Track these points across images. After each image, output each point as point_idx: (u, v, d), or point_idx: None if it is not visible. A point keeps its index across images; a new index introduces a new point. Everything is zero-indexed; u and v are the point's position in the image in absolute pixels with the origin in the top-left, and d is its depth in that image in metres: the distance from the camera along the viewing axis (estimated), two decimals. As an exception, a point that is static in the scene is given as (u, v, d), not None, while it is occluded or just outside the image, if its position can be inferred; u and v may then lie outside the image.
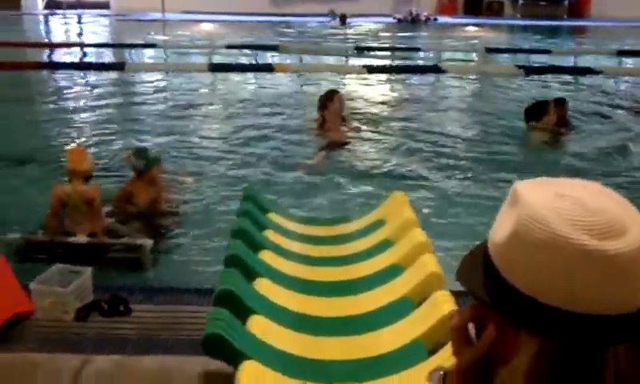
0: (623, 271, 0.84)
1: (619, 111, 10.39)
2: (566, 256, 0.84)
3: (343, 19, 23.00)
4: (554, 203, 0.87)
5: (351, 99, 10.40)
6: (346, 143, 7.95)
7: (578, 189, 0.90)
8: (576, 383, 0.86)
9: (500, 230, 0.91)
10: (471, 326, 0.98)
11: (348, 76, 12.68)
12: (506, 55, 15.59)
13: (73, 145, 6.44)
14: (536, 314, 0.86)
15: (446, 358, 2.85)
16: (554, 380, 0.86)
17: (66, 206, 4.91)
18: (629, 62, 15.07)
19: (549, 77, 12.61)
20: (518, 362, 0.88)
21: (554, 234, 0.85)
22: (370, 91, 11.52)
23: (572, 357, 0.85)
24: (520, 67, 12.78)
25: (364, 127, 8.72)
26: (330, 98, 8.23)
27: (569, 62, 14.72)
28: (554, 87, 11.67)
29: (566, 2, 25.45)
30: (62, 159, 6.76)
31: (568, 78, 12.59)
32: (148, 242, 4.86)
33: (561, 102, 8.81)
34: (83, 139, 8.19)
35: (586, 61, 14.31)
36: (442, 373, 1.02)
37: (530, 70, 12.77)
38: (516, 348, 0.89)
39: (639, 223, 0.87)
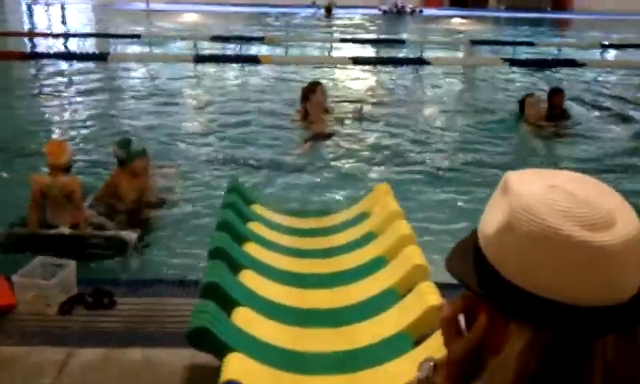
0: (613, 262, 0.85)
1: (609, 102, 10.44)
2: (556, 247, 0.85)
3: (328, 11, 22.88)
4: (545, 194, 0.88)
5: (336, 90, 10.40)
6: (331, 134, 7.94)
7: (568, 180, 0.91)
8: (565, 373, 0.86)
9: (491, 220, 0.92)
10: (461, 317, 0.98)
11: (333, 67, 12.67)
12: (491, 47, 15.63)
13: (53, 137, 6.40)
14: (526, 305, 0.87)
15: (430, 348, 2.87)
16: (543, 370, 0.87)
17: (46, 198, 4.88)
18: (612, 55, 15.18)
19: (546, 69, 12.66)
20: (509, 352, 0.89)
21: (545, 225, 0.85)
22: (355, 82, 11.51)
23: (561, 347, 0.86)
24: (505, 60, 12.83)
25: (348, 119, 8.71)
26: (312, 90, 8.20)
27: (553, 54, 14.79)
28: (545, 79, 11.75)
29: (550, -6, 25.60)
30: (41, 151, 6.73)
31: (565, 69, 12.62)
32: (133, 236, 4.83)
33: (556, 92, 8.68)
34: (66, 129, 8.12)
35: (569, 53, 14.40)
36: (432, 363, 1.03)
37: (514, 63, 12.83)
38: (506, 338, 0.89)
39: (627, 215, 0.88)
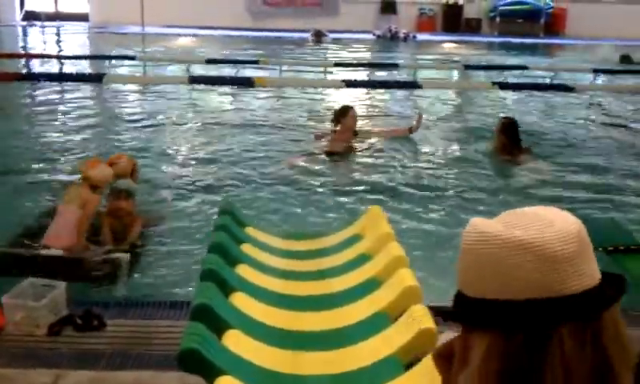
0: (552, 257, 0.90)
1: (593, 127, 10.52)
2: (490, 249, 0.92)
3: (318, 36, 22.64)
4: (491, 219, 0.97)
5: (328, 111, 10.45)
6: (335, 153, 7.90)
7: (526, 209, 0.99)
8: (525, 372, 0.89)
9: None
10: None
11: (327, 91, 12.74)
12: (483, 72, 15.73)
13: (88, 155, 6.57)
14: (477, 311, 0.94)
15: (422, 372, 2.86)
16: (505, 372, 0.90)
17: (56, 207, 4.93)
18: (602, 79, 15.31)
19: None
20: (473, 362, 0.94)
21: (484, 232, 0.94)
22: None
23: (517, 347, 0.90)
24: (494, 83, 12.93)
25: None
26: (344, 114, 8.26)
27: (545, 78, 14.92)
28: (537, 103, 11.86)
29: (543, 21, 25.79)
30: (35, 172, 6.77)
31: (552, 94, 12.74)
32: (125, 257, 4.80)
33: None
34: (59, 151, 8.10)
35: (562, 78, 14.54)
36: None
37: (504, 86, 12.92)
38: (470, 350, 0.96)
39: (563, 218, 0.94)
